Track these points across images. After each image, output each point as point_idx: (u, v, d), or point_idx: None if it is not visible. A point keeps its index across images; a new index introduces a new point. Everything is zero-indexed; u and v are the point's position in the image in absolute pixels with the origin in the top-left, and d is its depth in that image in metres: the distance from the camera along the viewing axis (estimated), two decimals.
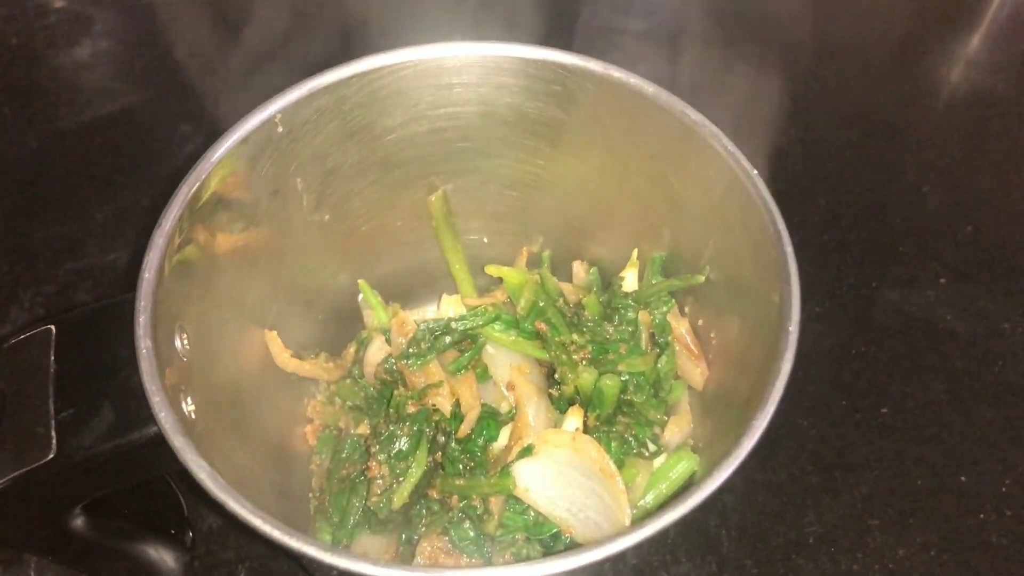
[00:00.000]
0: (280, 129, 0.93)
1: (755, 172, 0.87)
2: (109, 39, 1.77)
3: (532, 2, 1.68)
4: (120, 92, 1.69)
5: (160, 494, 1.09)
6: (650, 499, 0.96)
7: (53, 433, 0.78)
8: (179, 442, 0.73)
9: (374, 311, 1.12)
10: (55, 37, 1.77)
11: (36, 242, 1.48)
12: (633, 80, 0.93)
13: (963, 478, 1.24)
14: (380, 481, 0.94)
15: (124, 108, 1.66)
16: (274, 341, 1.02)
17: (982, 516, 1.21)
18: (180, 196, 0.85)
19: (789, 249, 0.82)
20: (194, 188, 0.86)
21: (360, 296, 1.14)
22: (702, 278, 1.00)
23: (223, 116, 1.44)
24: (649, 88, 0.93)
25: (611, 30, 1.76)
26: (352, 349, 1.12)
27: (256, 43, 1.71)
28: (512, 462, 0.93)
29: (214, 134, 0.91)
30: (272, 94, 0.93)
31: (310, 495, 1.07)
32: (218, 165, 0.88)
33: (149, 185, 1.55)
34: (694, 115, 0.91)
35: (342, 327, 1.14)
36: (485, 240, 1.19)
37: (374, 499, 0.93)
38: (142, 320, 0.78)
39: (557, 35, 1.69)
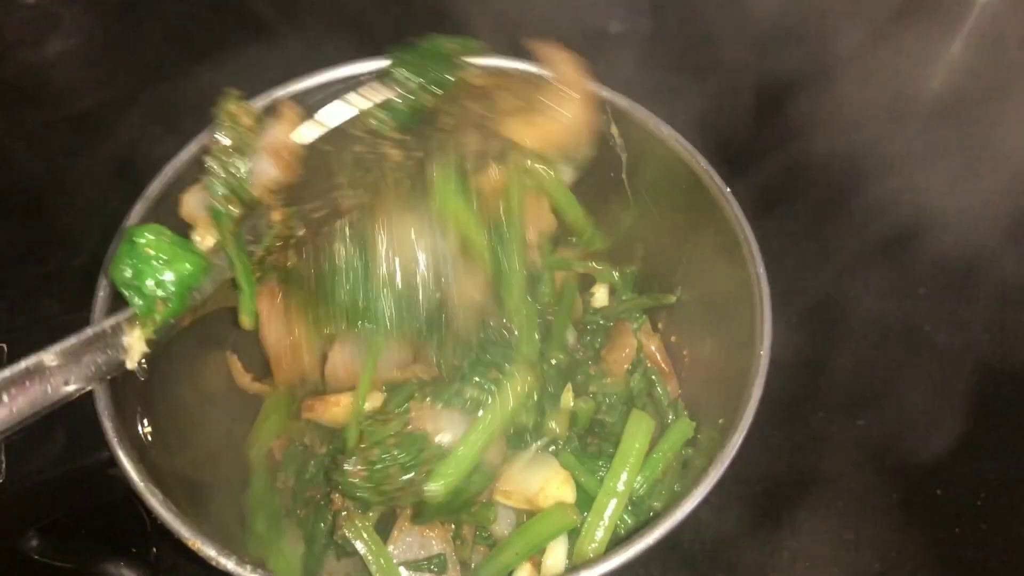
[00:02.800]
0: None
1: (728, 190, 0.85)
2: (78, 37, 1.74)
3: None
4: (88, 91, 1.65)
5: (120, 510, 1.06)
6: None
7: (3, 457, 0.76)
8: (132, 469, 0.72)
9: None
10: (22, 34, 1.73)
11: (0, 245, 1.44)
12: (607, 93, 0.92)
13: (939, 491, 1.23)
14: (345, 513, 0.91)
15: (92, 107, 1.62)
16: (235, 364, 1.01)
17: (958, 530, 1.20)
18: (137, 210, 0.84)
19: (762, 271, 0.81)
20: (150, 202, 0.84)
21: None
22: (673, 299, 0.99)
23: (194, 118, 1.42)
24: (622, 101, 0.91)
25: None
26: None
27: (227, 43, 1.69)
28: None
29: (184, 135, 0.89)
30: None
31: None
32: (176, 178, 0.86)
33: (117, 188, 1.50)
34: (667, 129, 0.90)
35: None
36: None
37: (339, 533, 0.91)
38: None
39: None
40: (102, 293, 0.78)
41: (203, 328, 0.95)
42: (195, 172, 0.87)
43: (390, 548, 0.92)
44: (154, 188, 0.84)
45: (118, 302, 0.79)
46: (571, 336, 1.05)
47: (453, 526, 0.91)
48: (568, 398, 0.95)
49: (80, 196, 1.50)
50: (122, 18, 1.77)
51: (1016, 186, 1.56)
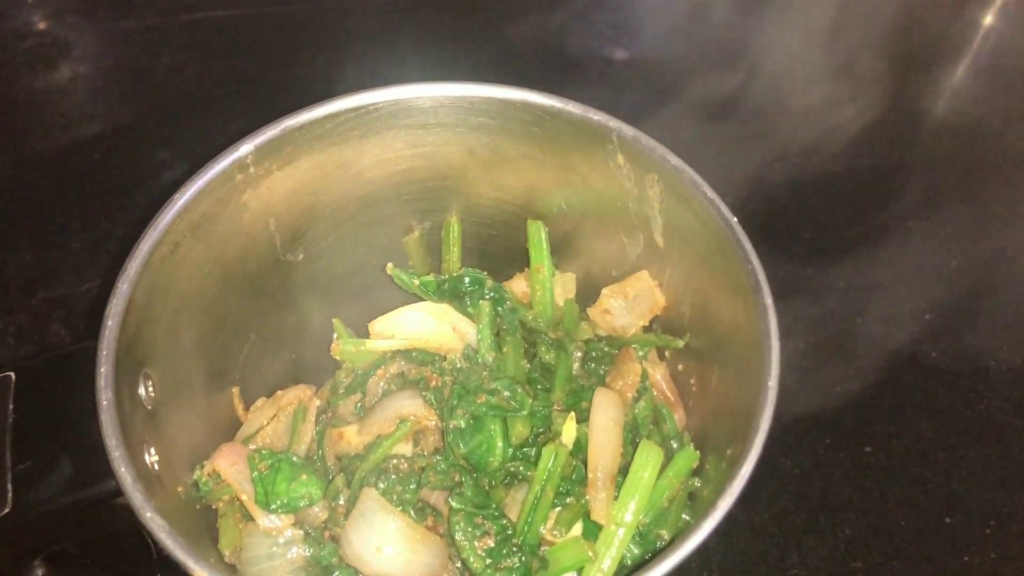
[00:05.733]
0: (252, 169, 0.91)
1: (735, 220, 0.85)
2: (88, 63, 1.75)
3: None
4: (98, 117, 1.67)
5: (127, 539, 1.06)
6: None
7: (9, 487, 0.77)
8: (138, 500, 0.71)
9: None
10: (33, 60, 1.75)
11: (9, 270, 1.45)
12: (612, 123, 0.92)
13: (947, 519, 1.23)
14: None
15: (101, 133, 1.64)
16: (237, 398, 1.03)
17: (967, 558, 1.19)
18: (146, 240, 0.84)
19: (769, 301, 0.80)
20: (161, 232, 0.84)
21: (335, 336, 1.12)
22: (681, 343, 0.99)
23: (203, 143, 1.44)
24: (629, 131, 0.92)
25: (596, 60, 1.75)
26: (327, 388, 1.10)
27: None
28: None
29: (193, 161, 0.89)
30: (249, 124, 0.92)
31: None
32: (186, 208, 0.86)
33: (126, 213, 1.53)
34: (674, 160, 0.90)
35: (317, 366, 1.12)
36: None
37: None
38: (103, 371, 0.76)
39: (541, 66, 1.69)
40: (111, 323, 0.78)
41: (211, 348, 0.97)
42: (204, 203, 0.88)
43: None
44: (164, 219, 0.84)
45: (126, 332, 0.79)
46: (575, 363, 1.05)
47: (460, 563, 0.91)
48: (571, 426, 0.94)
49: (89, 221, 1.51)
50: (132, 45, 1.79)
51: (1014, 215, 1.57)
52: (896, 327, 1.41)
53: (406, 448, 0.98)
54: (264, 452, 0.93)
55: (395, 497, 0.92)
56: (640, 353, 1.02)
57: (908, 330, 1.41)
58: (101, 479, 0.76)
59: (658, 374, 1.01)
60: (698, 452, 0.92)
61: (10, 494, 0.76)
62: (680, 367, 1.03)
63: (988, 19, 1.89)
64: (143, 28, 1.81)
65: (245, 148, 0.90)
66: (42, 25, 1.81)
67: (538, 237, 1.06)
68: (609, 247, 1.05)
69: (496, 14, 1.80)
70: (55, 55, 1.76)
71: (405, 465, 0.95)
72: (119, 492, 0.72)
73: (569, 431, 0.93)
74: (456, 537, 0.87)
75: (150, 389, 0.83)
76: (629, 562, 0.89)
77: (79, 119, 1.67)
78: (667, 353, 1.05)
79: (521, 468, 0.93)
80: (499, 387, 0.93)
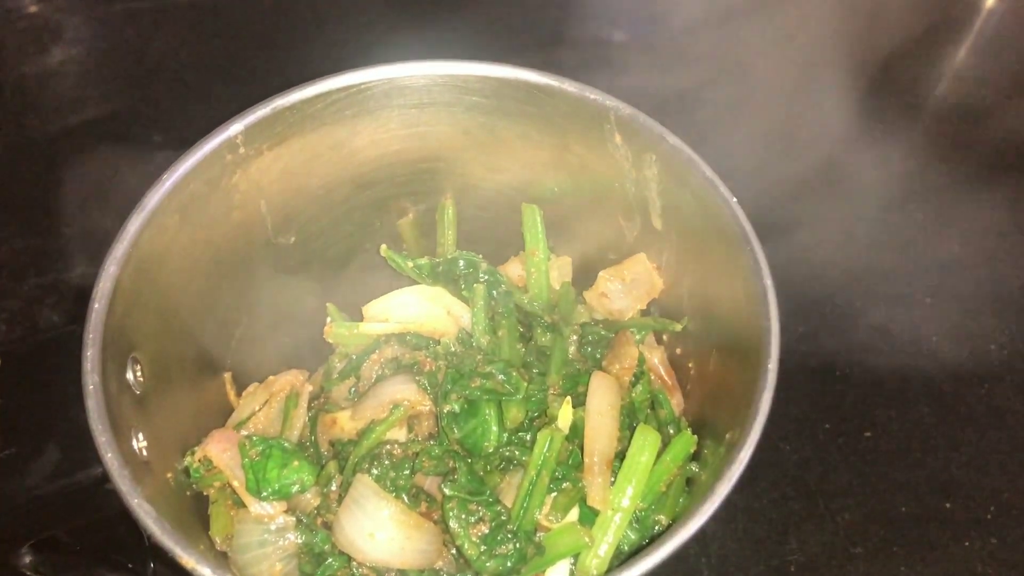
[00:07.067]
0: (242, 150, 0.90)
1: (734, 200, 0.84)
2: (79, 47, 1.73)
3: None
4: (89, 101, 1.65)
5: (117, 525, 1.05)
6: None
7: None
8: (126, 486, 0.70)
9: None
10: (24, 43, 1.72)
11: (0, 256, 1.44)
12: (609, 102, 0.91)
13: (948, 504, 1.22)
14: None
15: (94, 117, 1.62)
16: (229, 384, 1.02)
17: (967, 544, 1.19)
18: (133, 221, 0.83)
19: (768, 282, 0.79)
20: (148, 213, 0.83)
21: (328, 319, 1.11)
22: (679, 327, 0.98)
23: (196, 127, 1.42)
24: (626, 110, 0.90)
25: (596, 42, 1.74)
26: (320, 373, 1.09)
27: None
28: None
29: (186, 145, 0.88)
30: (243, 106, 0.91)
31: None
32: (175, 188, 0.85)
33: (118, 198, 1.49)
34: (672, 139, 0.89)
35: (310, 350, 1.10)
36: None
37: None
38: (90, 354, 0.75)
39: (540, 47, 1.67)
40: (97, 305, 0.77)
41: (201, 332, 0.97)
42: (193, 184, 0.87)
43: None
44: (151, 199, 0.83)
45: (113, 315, 0.78)
46: (571, 346, 1.04)
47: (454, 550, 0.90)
48: (567, 410, 0.93)
49: (81, 206, 1.49)
50: (123, 28, 1.77)
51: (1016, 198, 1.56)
52: (897, 311, 1.40)
53: (400, 433, 0.97)
54: (256, 438, 0.92)
55: (388, 483, 0.91)
56: (637, 337, 1.01)
57: (909, 314, 1.39)
58: (89, 465, 0.75)
59: (655, 358, 1.00)
60: (696, 437, 0.91)
61: None
62: (678, 351, 1.02)
63: (990, 1, 1.87)
64: (135, 11, 1.78)
65: (235, 128, 0.89)
66: (33, 8, 1.79)
67: (533, 220, 1.05)
68: (606, 229, 1.04)
69: None
70: (46, 39, 1.73)
71: (399, 450, 0.94)
72: (108, 477, 0.71)
73: (565, 415, 0.92)
74: (450, 525, 0.86)
75: (138, 373, 0.82)
76: (626, 548, 0.89)
77: (71, 103, 1.64)
78: (665, 337, 1.04)
79: (516, 453, 0.92)
80: (494, 371, 0.92)
